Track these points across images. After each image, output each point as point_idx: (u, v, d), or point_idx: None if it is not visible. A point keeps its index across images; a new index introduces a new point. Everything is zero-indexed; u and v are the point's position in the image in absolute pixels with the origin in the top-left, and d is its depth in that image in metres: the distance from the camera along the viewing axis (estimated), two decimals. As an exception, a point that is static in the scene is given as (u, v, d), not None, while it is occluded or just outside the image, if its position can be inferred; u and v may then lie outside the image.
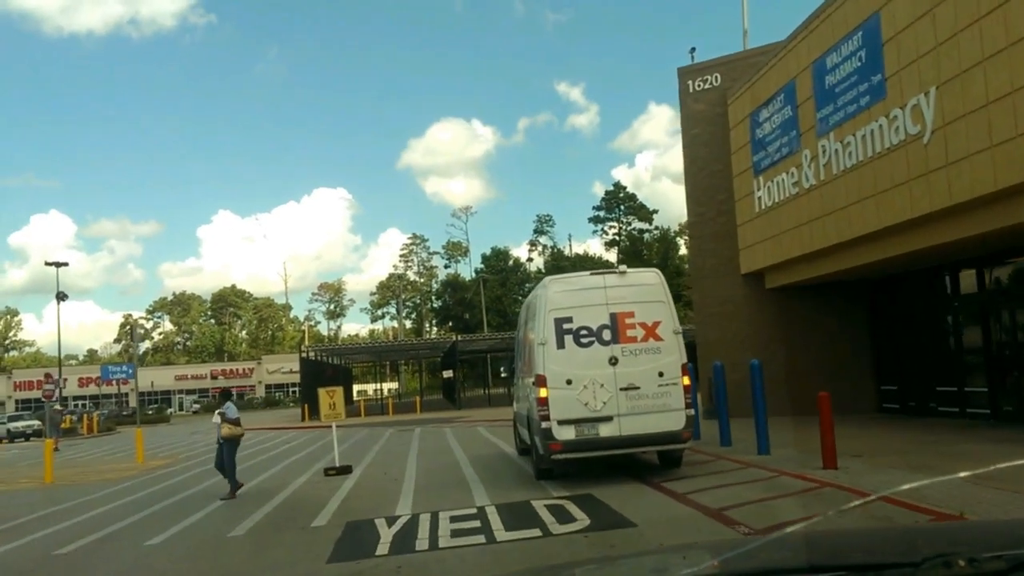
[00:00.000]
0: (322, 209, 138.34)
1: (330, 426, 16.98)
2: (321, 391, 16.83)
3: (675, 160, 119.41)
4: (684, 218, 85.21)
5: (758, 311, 20.83)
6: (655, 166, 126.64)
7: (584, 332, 11.35)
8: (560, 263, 77.05)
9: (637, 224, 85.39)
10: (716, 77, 21.25)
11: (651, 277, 12.00)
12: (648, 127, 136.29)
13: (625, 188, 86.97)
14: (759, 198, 19.50)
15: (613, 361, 11.29)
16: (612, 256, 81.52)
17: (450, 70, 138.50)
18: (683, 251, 78.44)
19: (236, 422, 13.35)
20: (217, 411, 13.55)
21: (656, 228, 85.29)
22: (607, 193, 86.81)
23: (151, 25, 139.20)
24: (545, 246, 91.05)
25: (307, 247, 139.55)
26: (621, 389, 11.20)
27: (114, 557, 9.26)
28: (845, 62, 15.45)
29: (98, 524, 11.47)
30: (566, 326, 11.36)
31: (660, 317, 11.46)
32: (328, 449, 18.14)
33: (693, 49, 22.09)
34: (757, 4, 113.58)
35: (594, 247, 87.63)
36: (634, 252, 79.09)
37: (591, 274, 12.12)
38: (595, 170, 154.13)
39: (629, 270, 11.88)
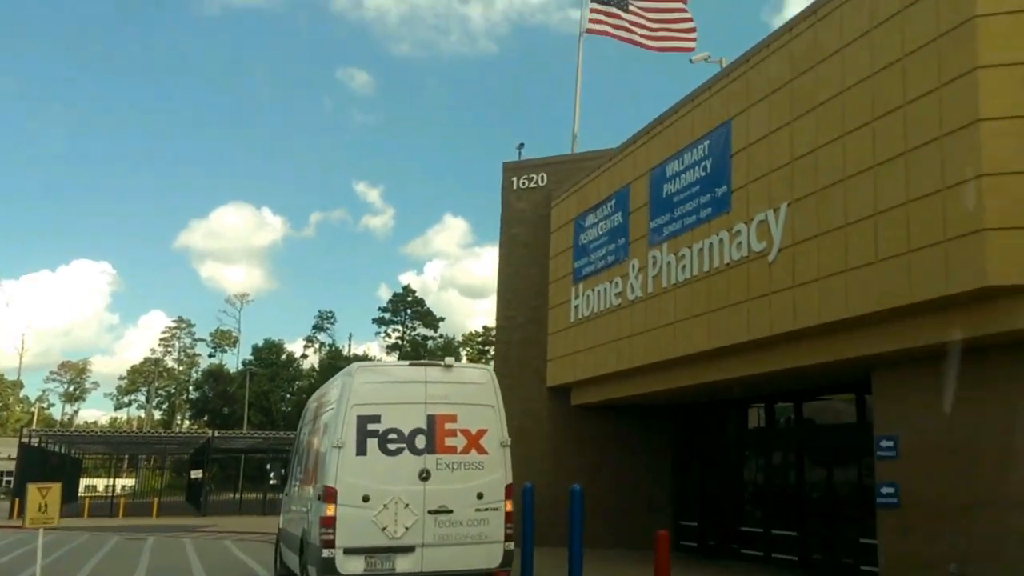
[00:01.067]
0: (79, 282, 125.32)
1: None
2: (31, 488, 12.80)
3: (464, 272, 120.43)
4: (468, 329, 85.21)
5: (562, 428, 19.13)
6: (443, 276, 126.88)
7: (393, 436, 8.87)
8: (337, 362, 72.99)
9: (422, 330, 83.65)
10: (542, 176, 20.07)
11: (481, 375, 9.83)
12: (441, 237, 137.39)
13: (414, 292, 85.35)
14: (576, 307, 18.13)
15: (424, 475, 8.87)
16: (392, 360, 78.80)
17: (247, 154, 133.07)
18: (465, 361, 77.32)
19: None
20: None
21: (440, 336, 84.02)
22: (395, 295, 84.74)
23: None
24: (323, 343, 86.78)
25: (55, 321, 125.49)
26: (430, 512, 8.79)
27: None
28: (687, 171, 14.60)
29: None
30: (371, 427, 8.84)
31: (487, 424, 9.26)
32: (31, 559, 13.93)
33: (521, 145, 20.95)
34: (587, 113, 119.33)
35: (374, 350, 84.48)
36: (416, 358, 76.73)
37: (409, 365, 9.82)
38: (383, 273, 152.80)
39: (456, 364, 9.63)
